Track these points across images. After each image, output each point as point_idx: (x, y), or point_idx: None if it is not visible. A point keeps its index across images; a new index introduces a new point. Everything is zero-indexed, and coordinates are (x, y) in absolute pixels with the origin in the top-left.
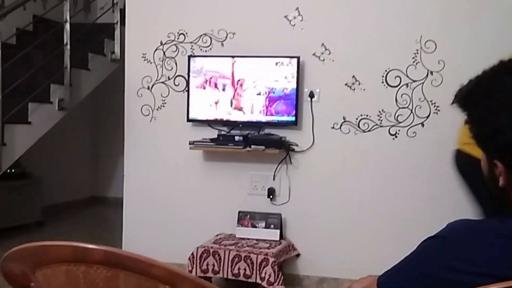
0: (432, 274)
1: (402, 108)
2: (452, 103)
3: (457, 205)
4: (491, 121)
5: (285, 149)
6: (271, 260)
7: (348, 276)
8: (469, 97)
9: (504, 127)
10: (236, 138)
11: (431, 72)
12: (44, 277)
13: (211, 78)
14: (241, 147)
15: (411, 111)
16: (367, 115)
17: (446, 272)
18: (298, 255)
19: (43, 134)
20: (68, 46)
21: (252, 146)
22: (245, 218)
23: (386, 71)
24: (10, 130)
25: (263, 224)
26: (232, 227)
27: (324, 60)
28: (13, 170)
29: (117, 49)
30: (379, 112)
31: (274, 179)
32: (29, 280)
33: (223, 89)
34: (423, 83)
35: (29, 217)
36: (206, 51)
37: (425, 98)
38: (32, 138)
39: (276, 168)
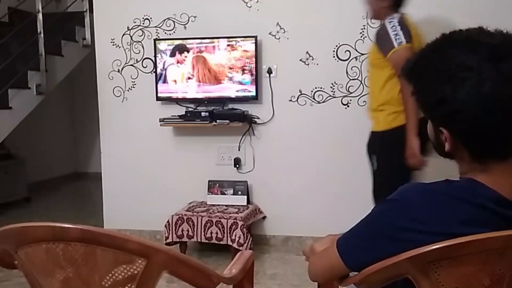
0: (386, 234)
1: (353, 79)
2: (399, 75)
3: None
4: (435, 91)
5: (248, 122)
6: (240, 223)
7: (310, 233)
8: (415, 69)
9: (448, 96)
10: (203, 114)
11: None
12: (26, 255)
13: (177, 61)
14: (208, 122)
15: (361, 82)
16: (321, 88)
17: (399, 232)
18: (264, 217)
19: (24, 118)
20: (42, 35)
21: (218, 121)
22: (215, 186)
23: (336, 46)
24: None
25: (231, 191)
26: (203, 195)
27: (279, 38)
28: None
29: (87, 35)
30: (332, 84)
31: (239, 149)
32: (12, 258)
33: (190, 70)
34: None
35: (16, 194)
36: (170, 34)
37: None
38: (13, 122)
39: (241, 140)
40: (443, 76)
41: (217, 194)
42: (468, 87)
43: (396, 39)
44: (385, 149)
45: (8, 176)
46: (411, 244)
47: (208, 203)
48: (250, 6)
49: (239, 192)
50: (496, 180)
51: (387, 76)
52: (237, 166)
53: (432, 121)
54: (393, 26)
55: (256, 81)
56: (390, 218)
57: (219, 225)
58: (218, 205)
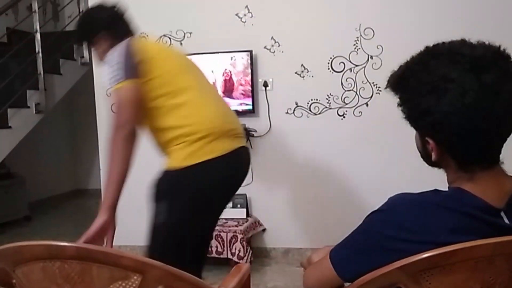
0: (376, 244)
1: (348, 90)
2: (386, 87)
3: (402, 174)
4: (419, 102)
5: (245, 135)
6: (240, 236)
7: (310, 245)
8: (400, 81)
9: (432, 107)
10: None
11: (371, 57)
12: (23, 274)
13: None
14: None
15: (356, 93)
16: (317, 99)
17: (389, 241)
18: (264, 230)
19: (23, 137)
20: (40, 54)
21: None
22: None
23: (331, 58)
24: None
25: (230, 205)
26: None
27: (274, 52)
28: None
29: (86, 54)
30: (327, 96)
31: None
32: (11, 277)
33: None
34: (364, 67)
35: (17, 213)
36: None
37: (367, 80)
38: (13, 141)
39: None
40: (427, 88)
41: None
42: (451, 98)
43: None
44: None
45: (8, 195)
46: (401, 253)
47: None
48: (245, 21)
49: (238, 205)
50: (482, 189)
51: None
52: None
53: (418, 131)
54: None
55: (253, 95)
56: (379, 228)
57: (219, 238)
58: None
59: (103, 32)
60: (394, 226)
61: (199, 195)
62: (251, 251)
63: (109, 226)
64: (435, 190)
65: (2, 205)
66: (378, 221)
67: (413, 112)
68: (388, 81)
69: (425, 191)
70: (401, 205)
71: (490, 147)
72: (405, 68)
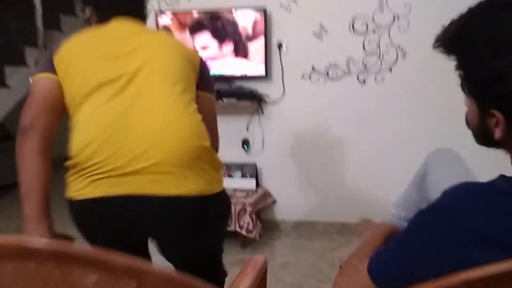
0: (432, 252)
1: (370, 54)
2: (436, 46)
3: (426, 146)
4: (489, 64)
5: (257, 101)
6: (249, 209)
7: (322, 218)
8: (458, 38)
9: (505, 69)
10: None
11: (397, 17)
12: None
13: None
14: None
15: (379, 57)
16: (335, 63)
17: (453, 247)
18: (274, 201)
19: (22, 96)
20: (40, 9)
21: (225, 99)
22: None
23: (352, 17)
24: None
25: (239, 174)
26: None
27: (290, 10)
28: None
29: (87, 9)
30: (347, 59)
31: (247, 130)
32: None
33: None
34: (389, 28)
35: (17, 176)
36: (173, 6)
37: (392, 43)
38: (11, 101)
39: (249, 120)
40: (499, 45)
41: (224, 177)
42: None
43: None
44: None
45: (9, 157)
46: (467, 261)
47: None
48: None
49: (248, 175)
50: None
51: None
52: (246, 147)
53: (481, 103)
54: None
55: (266, 57)
56: (437, 230)
57: None
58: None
59: (91, 6)
60: (457, 227)
61: None
62: (260, 225)
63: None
64: (503, 176)
65: (3, 168)
66: (434, 223)
67: (479, 77)
68: (439, 38)
69: (489, 180)
70: (462, 198)
71: None
72: (464, 21)
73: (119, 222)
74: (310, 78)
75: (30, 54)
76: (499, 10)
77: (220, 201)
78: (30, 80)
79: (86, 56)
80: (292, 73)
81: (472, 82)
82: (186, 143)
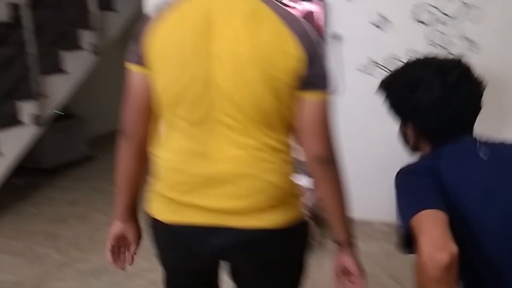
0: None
1: (434, 47)
2: (378, 89)
3: None
4: (400, 96)
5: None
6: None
7: (380, 217)
8: (388, 81)
9: (407, 99)
10: None
11: (468, 6)
12: None
13: None
14: None
15: (444, 50)
16: (396, 56)
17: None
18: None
19: (80, 80)
20: None
21: None
22: None
23: (415, 6)
24: (49, 82)
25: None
26: None
27: None
28: (61, 112)
29: None
30: (409, 51)
31: None
32: None
33: None
34: (458, 18)
35: (78, 153)
36: None
37: (460, 35)
38: (70, 85)
39: None
40: (405, 85)
41: None
42: (420, 93)
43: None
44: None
45: (69, 136)
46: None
47: None
48: None
49: (301, 172)
50: None
51: None
52: None
53: (402, 119)
54: None
55: None
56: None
57: None
58: None
59: None
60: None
61: None
62: (318, 230)
63: (126, 237)
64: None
65: (63, 146)
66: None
67: (396, 103)
68: (382, 81)
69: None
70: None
71: (453, 126)
72: (395, 72)
73: (201, 250)
74: (368, 71)
75: (85, 37)
76: (411, 65)
77: (303, 231)
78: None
79: (175, 51)
80: (349, 65)
81: (394, 107)
82: (270, 192)
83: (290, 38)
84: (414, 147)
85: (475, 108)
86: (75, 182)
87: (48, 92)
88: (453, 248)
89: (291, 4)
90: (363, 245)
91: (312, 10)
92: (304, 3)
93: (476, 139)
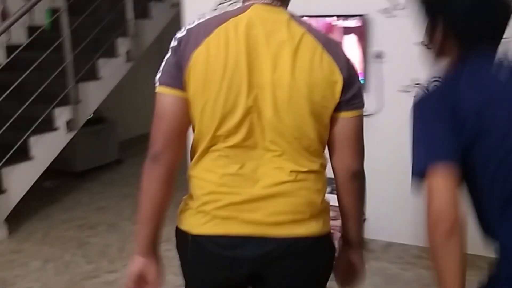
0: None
1: None
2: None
3: None
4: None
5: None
6: (337, 235)
7: (415, 242)
8: None
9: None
10: None
11: None
12: None
13: None
14: None
15: None
16: (441, 77)
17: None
18: (364, 219)
19: (113, 86)
20: None
21: None
22: None
23: None
24: (83, 88)
25: (328, 189)
26: None
27: (391, 15)
28: (90, 116)
29: None
30: None
31: None
32: None
33: None
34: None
35: (108, 157)
36: None
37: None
38: (103, 91)
39: None
40: None
41: None
42: None
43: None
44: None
45: (100, 140)
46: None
47: None
48: None
49: (335, 191)
50: None
51: None
52: None
53: (431, 15)
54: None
55: (363, 67)
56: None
57: None
58: None
59: None
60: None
61: None
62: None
63: (147, 274)
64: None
65: (94, 149)
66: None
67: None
68: None
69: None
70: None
71: (483, 35)
72: None
73: (240, 260)
74: (410, 91)
75: (121, 45)
76: None
77: (332, 242)
78: (121, 70)
79: (222, 71)
80: (391, 85)
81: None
82: (310, 208)
83: (331, 64)
84: (439, 52)
85: (507, 16)
86: (105, 187)
87: (83, 98)
88: (456, 215)
89: (332, 21)
90: (394, 268)
91: (353, 27)
92: (345, 20)
93: (496, 58)
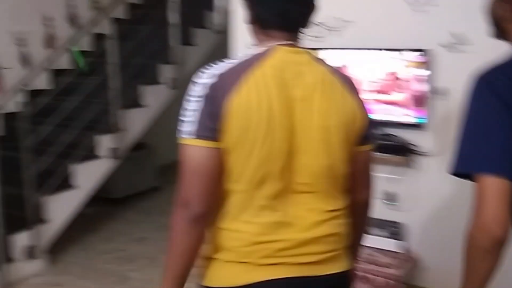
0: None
1: None
2: None
3: None
4: None
5: (409, 154)
6: (394, 285)
7: None
8: None
9: None
10: None
11: None
12: None
13: None
14: None
15: None
16: None
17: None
18: (425, 268)
19: (155, 114)
20: (174, 25)
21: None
22: None
23: None
24: (127, 115)
25: (383, 233)
26: None
27: (454, 50)
28: None
29: (219, 20)
30: None
31: (395, 182)
32: None
33: None
34: None
35: (146, 183)
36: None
37: None
38: (147, 119)
39: (398, 171)
40: None
41: None
42: None
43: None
44: None
45: (137, 166)
46: None
47: None
48: (418, 10)
49: (392, 235)
50: None
51: None
52: (391, 202)
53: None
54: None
55: (424, 104)
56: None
57: (364, 279)
58: (365, 247)
59: (248, 7)
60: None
61: None
62: None
63: None
64: None
65: (132, 176)
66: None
67: None
68: None
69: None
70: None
71: None
72: None
73: None
74: None
75: (165, 72)
76: None
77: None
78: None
79: (258, 117)
80: (453, 124)
81: None
82: (342, 244)
83: (352, 102)
84: (500, 33)
85: None
86: (143, 216)
87: (126, 125)
88: (508, 226)
89: (393, 55)
90: None
91: (415, 62)
92: (407, 54)
93: None
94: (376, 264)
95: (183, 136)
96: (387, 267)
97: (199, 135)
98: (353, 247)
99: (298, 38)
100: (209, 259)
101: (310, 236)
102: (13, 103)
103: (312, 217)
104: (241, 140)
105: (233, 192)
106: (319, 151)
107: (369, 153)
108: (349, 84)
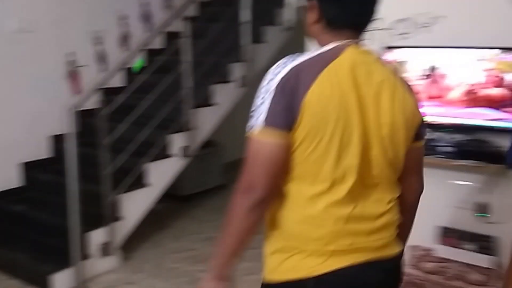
0: None
1: None
2: None
3: None
4: None
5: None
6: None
7: None
8: None
9: None
10: (442, 148)
11: None
12: None
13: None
14: (448, 158)
15: None
16: None
17: None
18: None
19: (225, 112)
20: (246, 23)
21: (465, 161)
22: (451, 236)
23: None
24: (199, 114)
25: (473, 247)
26: (426, 241)
27: None
28: None
29: (289, 17)
30: None
31: (487, 192)
32: None
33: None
34: None
35: (213, 181)
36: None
37: None
38: (217, 117)
39: (491, 180)
40: None
41: (453, 247)
42: None
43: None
44: None
45: (204, 164)
46: None
47: (439, 255)
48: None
49: (483, 250)
50: None
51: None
52: (483, 214)
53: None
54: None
55: None
56: None
57: None
58: (453, 261)
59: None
60: None
61: None
62: None
63: None
64: None
65: (200, 173)
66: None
67: None
68: None
69: None
70: None
71: None
72: None
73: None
74: None
75: (235, 70)
76: None
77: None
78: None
79: (336, 111)
80: None
81: None
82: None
83: (412, 100)
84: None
85: None
86: (211, 214)
87: (197, 124)
88: None
89: (494, 54)
90: None
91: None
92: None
93: None
94: (464, 281)
95: (257, 126)
96: (477, 285)
97: (273, 125)
98: (403, 233)
99: (362, 37)
100: (280, 252)
101: (378, 225)
102: (89, 101)
103: (379, 208)
104: (315, 132)
105: (303, 185)
106: (387, 147)
107: (422, 149)
108: (406, 83)
